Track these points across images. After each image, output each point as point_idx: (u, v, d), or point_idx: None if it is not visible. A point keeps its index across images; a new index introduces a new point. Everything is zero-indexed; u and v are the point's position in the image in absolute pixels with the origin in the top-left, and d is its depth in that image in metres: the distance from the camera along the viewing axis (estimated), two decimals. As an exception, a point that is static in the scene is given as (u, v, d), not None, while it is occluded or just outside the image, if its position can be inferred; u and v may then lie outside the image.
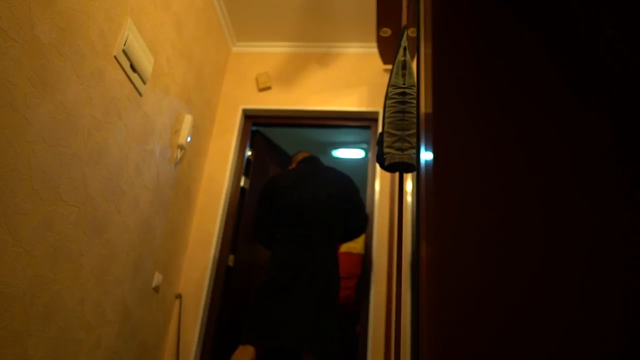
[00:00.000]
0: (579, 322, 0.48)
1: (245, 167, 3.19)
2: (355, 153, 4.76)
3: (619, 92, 0.58)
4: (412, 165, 1.05)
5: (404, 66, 1.13)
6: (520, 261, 0.51)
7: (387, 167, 1.09)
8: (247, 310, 2.18)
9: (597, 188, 0.54)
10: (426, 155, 0.61)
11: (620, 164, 0.55)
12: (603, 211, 0.53)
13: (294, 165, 2.69)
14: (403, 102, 1.08)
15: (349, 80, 3.26)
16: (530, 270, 0.51)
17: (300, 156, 2.68)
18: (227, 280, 2.88)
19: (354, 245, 2.99)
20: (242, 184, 3.12)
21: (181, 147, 2.55)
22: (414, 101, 1.08)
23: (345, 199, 2.42)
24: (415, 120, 1.05)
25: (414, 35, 1.70)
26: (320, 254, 2.21)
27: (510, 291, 0.50)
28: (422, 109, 0.67)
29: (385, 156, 1.08)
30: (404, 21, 1.52)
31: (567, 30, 0.62)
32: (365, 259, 2.89)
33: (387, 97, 1.14)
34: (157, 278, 2.39)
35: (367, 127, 3.22)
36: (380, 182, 2.94)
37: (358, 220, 2.45)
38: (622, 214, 0.52)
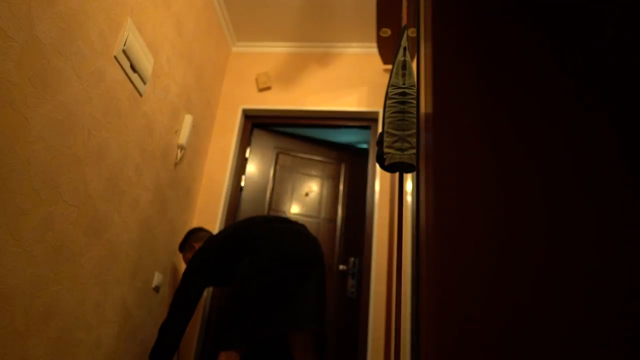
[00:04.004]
0: (580, 322, 0.48)
1: (245, 167, 3.19)
2: (355, 153, 4.75)
3: (621, 93, 0.58)
4: (412, 165, 1.05)
5: (404, 66, 1.13)
6: (521, 261, 0.51)
7: (387, 167, 1.09)
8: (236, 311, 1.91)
9: (598, 188, 0.54)
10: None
11: (622, 165, 0.55)
12: (605, 211, 0.53)
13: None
14: (403, 102, 1.08)
15: (349, 80, 3.26)
16: (530, 271, 0.51)
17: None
18: (227, 280, 2.88)
19: None
20: (242, 184, 3.12)
21: (181, 147, 2.55)
22: (414, 101, 1.08)
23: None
24: (415, 120, 1.05)
25: (414, 35, 1.70)
26: (318, 248, 2.16)
27: (510, 291, 0.50)
28: (422, 109, 0.67)
29: (385, 156, 1.08)
30: (404, 21, 1.53)
31: (567, 30, 0.62)
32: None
33: (387, 97, 1.14)
34: (157, 278, 2.39)
35: (367, 127, 3.22)
36: (380, 182, 2.94)
37: None
38: (624, 214, 0.52)
